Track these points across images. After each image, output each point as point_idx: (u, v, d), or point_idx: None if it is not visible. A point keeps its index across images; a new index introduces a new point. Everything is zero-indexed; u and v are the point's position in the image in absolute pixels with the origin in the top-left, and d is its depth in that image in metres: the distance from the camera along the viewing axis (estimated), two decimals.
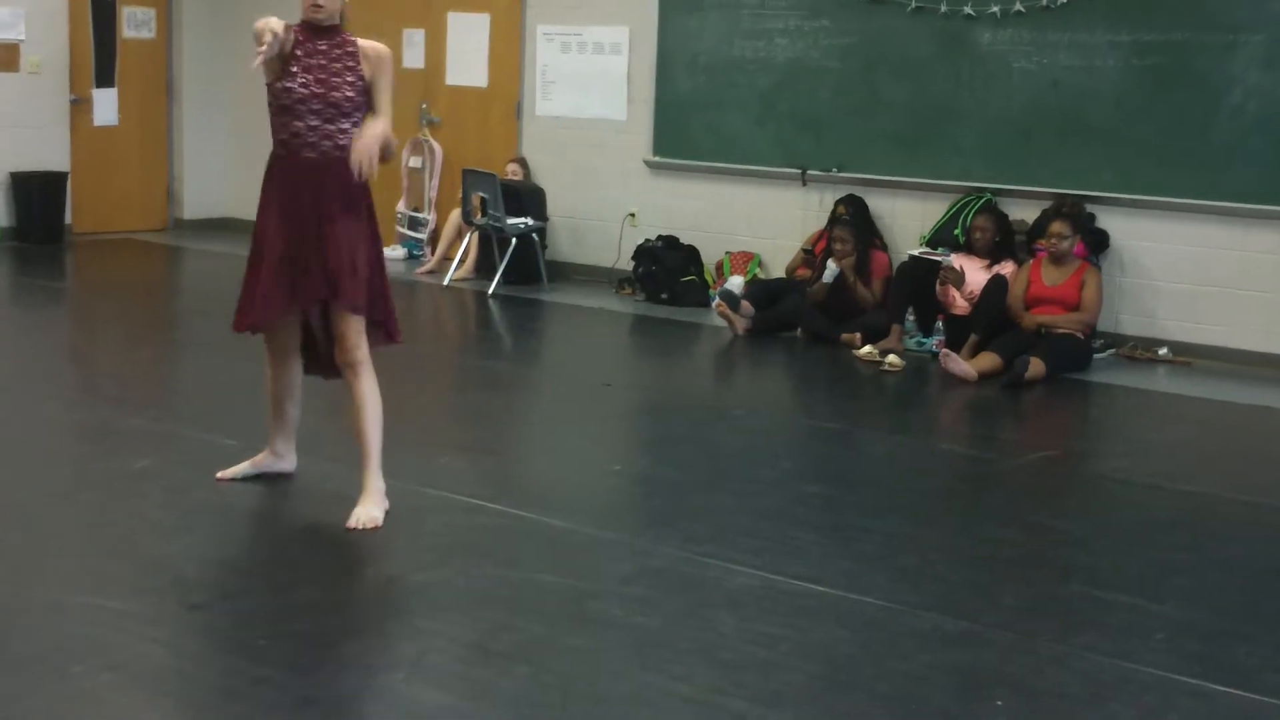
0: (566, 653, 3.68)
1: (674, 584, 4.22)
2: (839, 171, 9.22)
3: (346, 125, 4.57)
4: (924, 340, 8.18)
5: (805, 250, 8.98)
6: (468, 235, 10.20)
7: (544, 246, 10.14)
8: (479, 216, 9.87)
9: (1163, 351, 8.17)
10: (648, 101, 10.04)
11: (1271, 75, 7.85)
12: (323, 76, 4.53)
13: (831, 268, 8.30)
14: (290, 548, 4.48)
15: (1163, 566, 4.65)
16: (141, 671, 3.48)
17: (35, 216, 10.97)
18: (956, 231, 8.53)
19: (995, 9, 8.55)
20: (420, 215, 11.17)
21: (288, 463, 5.00)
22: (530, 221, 9.87)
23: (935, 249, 8.42)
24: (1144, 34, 8.16)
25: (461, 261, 10.20)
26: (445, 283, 10.01)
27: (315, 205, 4.54)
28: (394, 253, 11.08)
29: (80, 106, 11.42)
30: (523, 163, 10.48)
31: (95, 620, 3.73)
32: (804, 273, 8.77)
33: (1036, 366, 7.31)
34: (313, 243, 4.55)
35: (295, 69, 4.53)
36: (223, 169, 12.01)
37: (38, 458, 5.37)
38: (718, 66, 9.69)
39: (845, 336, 8.16)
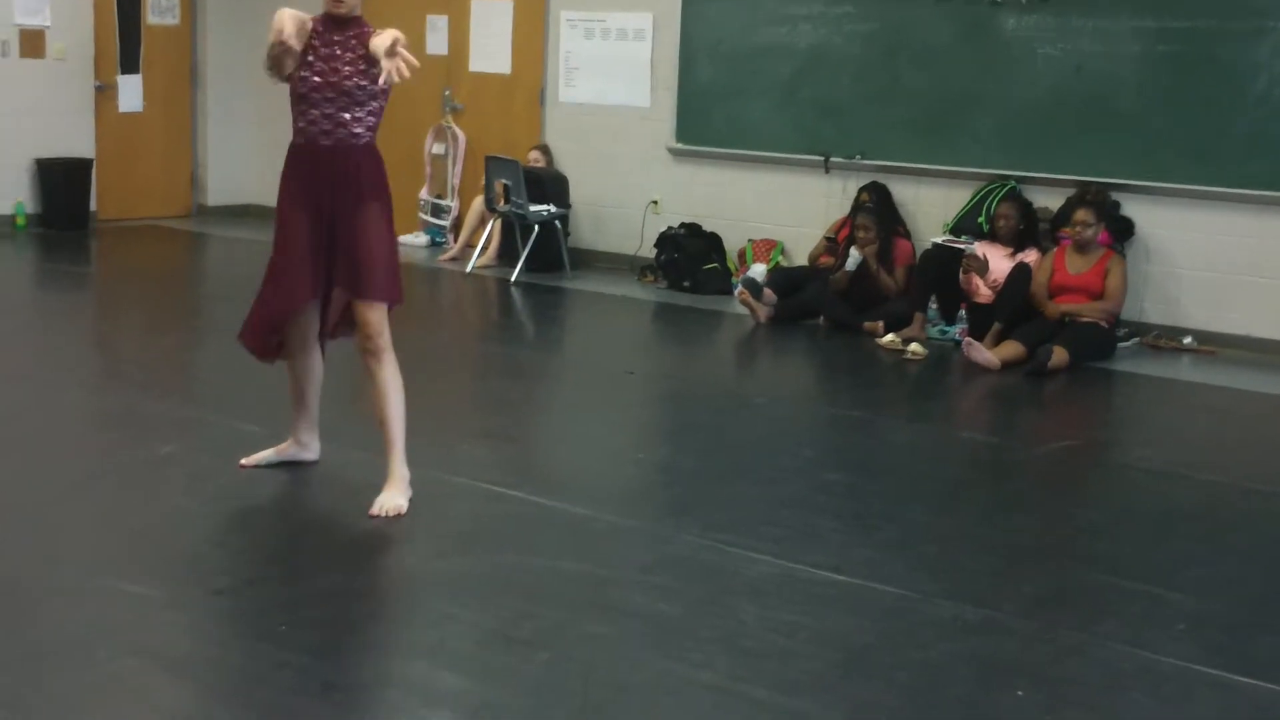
0: (587, 640, 3.69)
1: (694, 572, 4.23)
2: (862, 159, 9.20)
3: (361, 114, 4.58)
4: (947, 328, 8.16)
5: (828, 238, 8.96)
6: (490, 222, 10.21)
7: (566, 234, 10.15)
8: (502, 203, 9.88)
9: (1187, 340, 8.14)
10: (671, 88, 10.02)
11: None
12: (335, 65, 4.56)
13: (854, 255, 8.29)
14: (313, 534, 4.51)
15: (1184, 556, 4.64)
16: (165, 656, 3.51)
17: (60, 203, 11.02)
18: (980, 219, 8.50)
19: None
20: (443, 202, 11.18)
21: (311, 451, 5.03)
22: (553, 208, 9.88)
23: (959, 237, 8.40)
24: (1168, 20, 8.11)
25: (484, 248, 10.22)
26: (468, 270, 10.03)
27: (334, 193, 4.56)
28: (417, 239, 11.12)
29: (105, 93, 11.47)
30: (546, 150, 10.48)
31: (119, 605, 3.76)
32: (827, 260, 8.75)
33: (1060, 355, 7.29)
34: (333, 231, 4.57)
35: (311, 58, 4.57)
36: (246, 155, 12.05)
37: (63, 443, 5.41)
38: (741, 53, 9.67)
39: (868, 325, 8.15)
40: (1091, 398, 7.24)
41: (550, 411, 6.63)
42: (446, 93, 11.14)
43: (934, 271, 8.15)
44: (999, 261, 7.97)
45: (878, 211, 8.54)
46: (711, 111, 9.86)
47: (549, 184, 10.04)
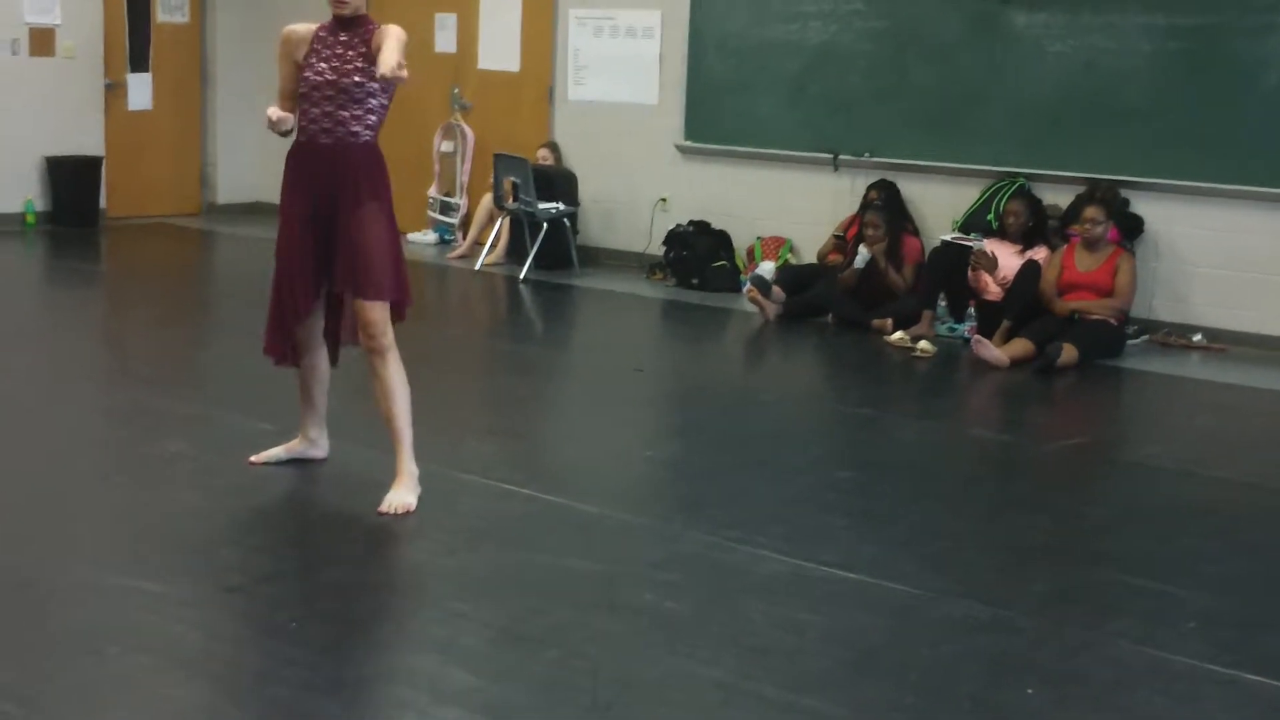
0: (596, 637, 3.70)
1: (703, 570, 4.23)
2: (871, 156, 9.19)
3: (360, 111, 4.57)
4: (956, 326, 8.16)
5: (837, 235, 8.96)
6: (499, 220, 10.22)
7: (575, 231, 10.15)
8: (510, 201, 9.88)
9: (1197, 338, 8.12)
10: (679, 85, 10.02)
11: None
12: (336, 64, 4.57)
13: (863, 253, 8.29)
14: (323, 532, 4.52)
15: (1193, 554, 4.63)
16: (176, 653, 3.52)
17: (70, 200, 11.04)
18: (989, 216, 8.50)
19: None
20: (452, 200, 11.19)
21: (320, 448, 5.04)
22: (561, 206, 9.88)
23: (967, 234, 8.39)
24: (1178, 17, 8.09)
25: (493, 246, 10.22)
26: (476, 267, 10.04)
27: (332, 192, 4.57)
28: (425, 237, 11.13)
29: (115, 91, 11.49)
30: (554, 147, 10.49)
31: (130, 602, 3.77)
32: (835, 258, 8.75)
33: (1069, 353, 7.28)
34: (334, 229, 4.58)
35: (313, 59, 4.59)
36: (255, 154, 12.06)
37: (72, 440, 5.42)
38: (749, 50, 9.67)
39: (876, 322, 8.14)
40: (1101, 395, 7.23)
41: (559, 408, 6.64)
42: (455, 91, 11.14)
43: (943, 269, 8.14)
44: (1008, 259, 7.96)
45: (886, 209, 8.53)
46: (720, 108, 9.86)
47: (557, 181, 10.04)
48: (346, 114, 4.57)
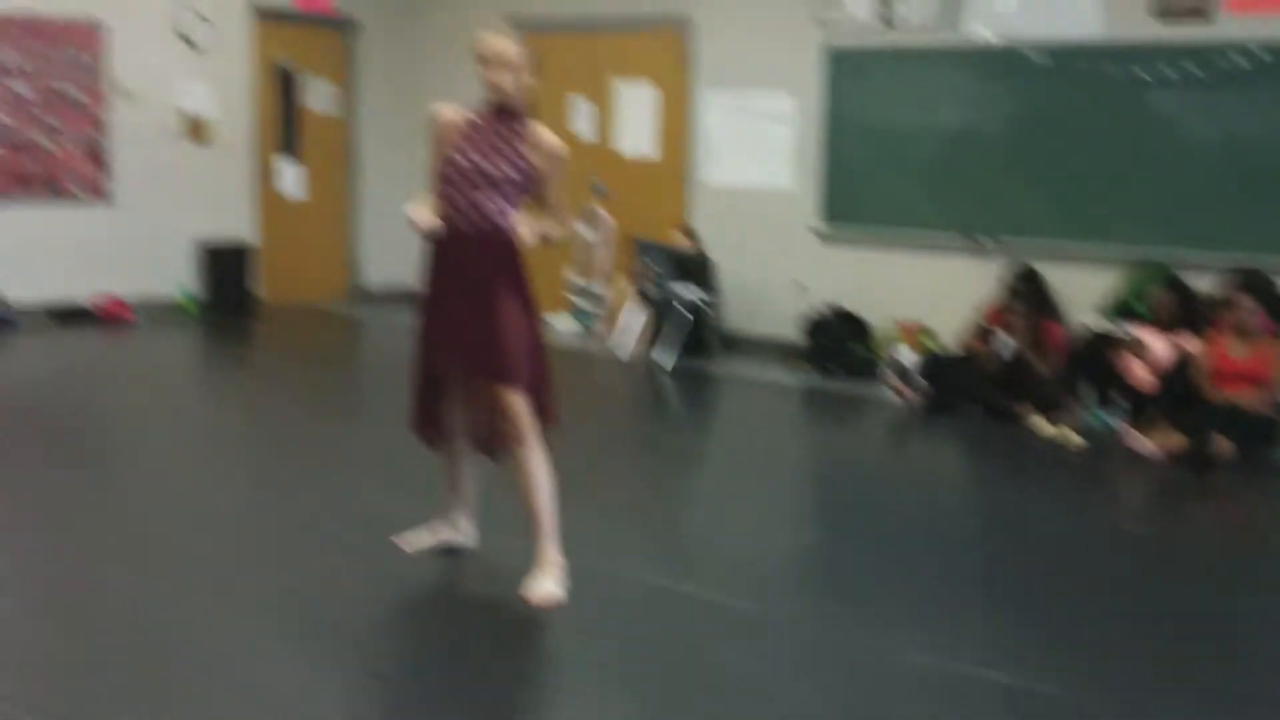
0: None
1: (844, 664, 4.17)
2: (1012, 241, 9.09)
3: (505, 204, 4.64)
4: (1103, 416, 7.99)
5: (979, 322, 8.85)
6: (639, 306, 10.29)
7: (714, 317, 10.17)
8: (650, 287, 9.95)
9: None
10: (816, 170, 10.05)
11: None
12: (487, 152, 4.63)
13: (1006, 340, 8.17)
14: (467, 619, 4.54)
15: None
16: None
17: (223, 286, 11.39)
18: (1136, 303, 8.33)
19: (1173, 74, 8.38)
20: (591, 286, 11.31)
21: (466, 535, 5.09)
22: (700, 292, 9.92)
23: (1114, 321, 8.23)
24: None
25: (632, 332, 10.28)
26: (616, 353, 10.10)
27: (474, 278, 4.64)
28: (565, 324, 11.24)
29: (266, 179, 11.87)
30: (691, 232, 10.56)
31: (279, 684, 3.83)
32: (977, 345, 8.64)
33: (1223, 445, 7.08)
34: (474, 318, 4.64)
35: (463, 144, 4.65)
36: (401, 241, 12.25)
37: (225, 522, 5.55)
38: (887, 134, 9.67)
39: (1020, 411, 8.01)
40: (1258, 490, 6.99)
41: (701, 496, 6.62)
42: (593, 178, 11.30)
43: (1089, 357, 7.99)
44: (1158, 347, 7.78)
45: (1030, 295, 8.42)
46: (857, 193, 9.85)
47: (695, 267, 10.10)
48: (491, 205, 4.64)
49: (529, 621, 4.47)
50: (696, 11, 10.60)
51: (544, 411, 4.75)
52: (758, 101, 10.33)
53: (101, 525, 5.36)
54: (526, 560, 4.73)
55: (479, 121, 4.69)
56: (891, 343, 9.51)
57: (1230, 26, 8.25)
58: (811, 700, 3.88)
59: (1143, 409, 7.62)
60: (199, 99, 11.29)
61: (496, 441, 4.90)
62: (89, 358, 9.49)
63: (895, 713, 3.82)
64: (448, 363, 4.72)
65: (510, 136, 4.66)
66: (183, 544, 5.19)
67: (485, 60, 4.60)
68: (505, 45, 4.62)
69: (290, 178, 12.03)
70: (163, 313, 11.05)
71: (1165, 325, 7.92)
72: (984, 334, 8.65)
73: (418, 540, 5.07)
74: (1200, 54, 8.31)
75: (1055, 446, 7.49)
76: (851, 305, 9.75)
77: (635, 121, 11.11)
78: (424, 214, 4.65)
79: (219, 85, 11.37)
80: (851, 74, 9.77)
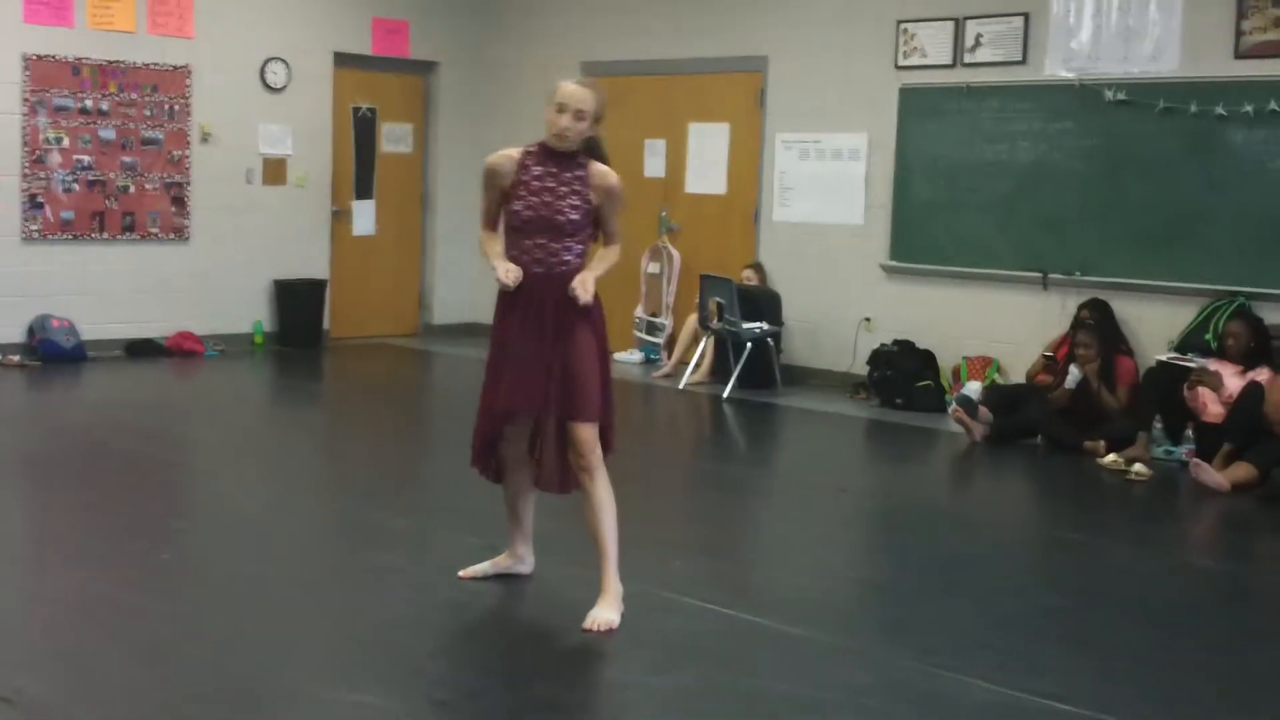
0: None
1: (911, 697, 4.14)
2: (1081, 275, 9.03)
3: (572, 243, 4.71)
4: (1173, 449, 7.90)
5: (1046, 355, 8.79)
6: (704, 340, 10.33)
7: (779, 351, 10.19)
8: (715, 321, 9.99)
9: None
10: (885, 206, 10.04)
11: None
12: (549, 199, 4.68)
13: (1074, 373, 8.11)
14: (528, 647, 4.57)
15: None
16: None
17: (296, 321, 11.57)
18: (1208, 336, 8.23)
19: (1249, 108, 8.31)
20: (657, 320, 11.37)
21: (526, 564, 5.13)
22: (766, 326, 9.94)
23: (1185, 354, 8.14)
24: None
25: (698, 366, 10.33)
26: (681, 386, 10.14)
27: (547, 317, 4.69)
28: (631, 357, 11.30)
29: (340, 218, 12.06)
30: (759, 268, 10.59)
31: (342, 713, 3.88)
32: (1045, 378, 8.57)
33: None
34: (549, 354, 4.68)
35: (523, 192, 4.70)
36: (471, 277, 12.47)
37: (294, 552, 5.63)
38: (957, 170, 9.65)
39: (1089, 444, 7.94)
40: None
41: (763, 528, 6.62)
42: (663, 214, 11.38)
43: (1159, 390, 7.91)
44: (1229, 380, 7.69)
45: (1099, 328, 8.35)
46: (926, 229, 9.84)
47: (762, 301, 10.12)
48: (559, 245, 4.69)
49: (589, 650, 4.49)
50: (772, 52, 10.65)
51: (605, 441, 4.79)
52: (829, 139, 10.36)
53: (168, 553, 5.46)
54: (586, 589, 4.75)
55: (535, 166, 4.71)
56: (957, 376, 9.47)
57: None
58: None
59: (1212, 442, 7.52)
60: (277, 142, 11.50)
61: (557, 476, 4.93)
62: (159, 390, 9.67)
63: None
64: (519, 399, 4.75)
65: (569, 179, 4.70)
66: (248, 573, 5.27)
67: (561, 105, 4.64)
68: (584, 94, 4.65)
69: (364, 216, 12.22)
70: (236, 347, 11.23)
71: (1236, 358, 7.82)
72: (1051, 367, 8.58)
73: (478, 569, 5.11)
74: (1276, 90, 8.23)
75: (1123, 479, 7.41)
76: (919, 340, 9.72)
77: (708, 159, 11.17)
78: (508, 267, 4.67)
79: (298, 128, 11.58)
80: (924, 111, 9.77)
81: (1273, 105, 8.23)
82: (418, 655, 4.38)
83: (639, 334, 11.45)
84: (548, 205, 4.68)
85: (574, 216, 4.68)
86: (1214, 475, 7.16)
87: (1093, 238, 9.03)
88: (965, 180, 9.61)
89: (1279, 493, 6.93)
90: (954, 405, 8.61)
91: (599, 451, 4.72)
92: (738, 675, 4.26)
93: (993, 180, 9.48)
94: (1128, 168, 8.88)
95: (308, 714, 3.90)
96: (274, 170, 11.52)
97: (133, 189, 10.70)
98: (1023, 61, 9.33)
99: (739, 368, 9.82)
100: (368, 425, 8.86)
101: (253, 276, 11.44)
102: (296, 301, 11.58)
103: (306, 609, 4.86)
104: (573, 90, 4.66)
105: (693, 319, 10.57)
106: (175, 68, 10.81)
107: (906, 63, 9.87)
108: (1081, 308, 8.77)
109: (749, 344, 9.82)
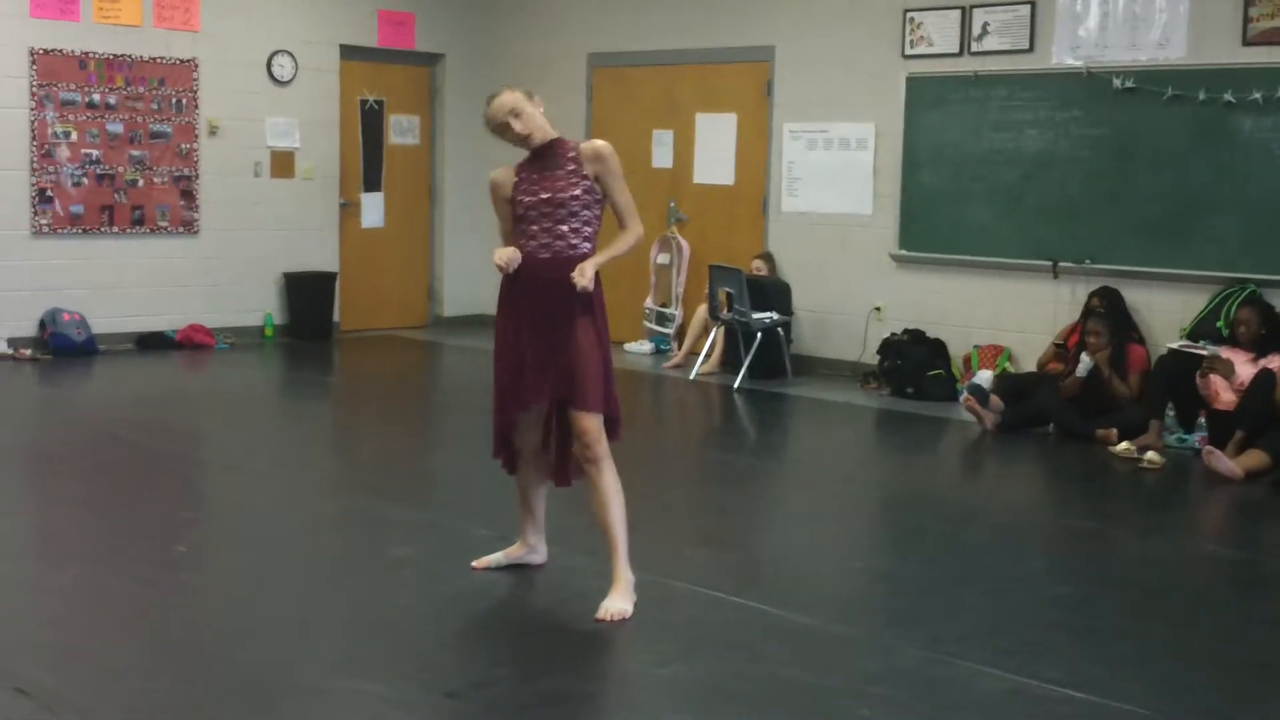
0: None
1: (921, 685, 4.14)
2: (1092, 263, 9.01)
3: (577, 224, 4.71)
4: (1185, 436, 7.88)
5: (1057, 344, 8.78)
6: (714, 330, 10.33)
7: (789, 340, 10.18)
8: (725, 311, 9.99)
9: None
10: (893, 196, 10.03)
11: None
12: (548, 183, 4.71)
13: (1085, 361, 8.09)
14: (540, 637, 4.58)
15: None
16: None
17: (305, 314, 11.58)
18: (1219, 324, 8.22)
19: (1257, 95, 8.28)
20: (667, 310, 11.36)
21: (539, 555, 5.13)
22: (775, 316, 9.94)
23: (1196, 341, 8.12)
24: None
25: (707, 356, 10.32)
26: (691, 377, 10.14)
27: (550, 303, 4.69)
28: (641, 347, 11.30)
29: (349, 210, 12.07)
30: (768, 258, 10.58)
31: (353, 704, 3.89)
32: (1055, 367, 8.56)
33: None
34: (551, 342, 4.69)
35: (524, 186, 4.74)
36: (479, 268, 12.45)
37: (304, 544, 5.64)
38: (965, 159, 9.63)
39: (1100, 432, 7.93)
40: None
41: (773, 518, 6.62)
42: (671, 204, 11.37)
43: (1170, 377, 7.89)
44: (1241, 368, 7.67)
45: (1110, 316, 8.34)
46: (935, 218, 9.82)
47: (771, 292, 10.12)
48: (565, 228, 4.70)
49: (601, 640, 4.49)
50: (779, 41, 10.63)
51: (611, 430, 4.79)
52: (837, 128, 10.34)
53: (182, 545, 5.47)
54: (598, 579, 4.76)
55: (529, 166, 4.78)
56: (968, 365, 9.46)
57: None
58: (881, 716, 3.86)
59: (1224, 429, 7.51)
60: (285, 134, 11.51)
61: (565, 465, 4.94)
62: (170, 383, 9.69)
63: None
64: (525, 388, 4.76)
65: (563, 162, 4.73)
66: (259, 564, 5.29)
67: (499, 127, 4.73)
68: (500, 103, 4.72)
69: (372, 208, 12.23)
70: (246, 340, 11.25)
71: (1248, 345, 7.80)
72: (1063, 355, 8.57)
73: (490, 560, 5.12)
74: None
75: (1135, 467, 7.40)
76: (930, 329, 9.71)
77: (715, 150, 11.16)
78: (504, 251, 4.70)
79: (305, 120, 11.59)
80: (931, 100, 9.75)
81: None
82: (429, 646, 4.39)
83: (649, 324, 11.44)
84: (548, 188, 4.70)
85: (575, 193, 4.69)
86: (1226, 463, 7.14)
87: (1102, 226, 9.01)
88: (973, 169, 9.59)
89: None
90: (965, 394, 8.59)
91: (604, 442, 4.72)
92: (748, 664, 4.26)
93: (1001, 169, 9.46)
94: (1136, 155, 8.85)
95: (319, 704, 3.90)
96: (282, 163, 11.52)
97: (141, 182, 10.72)
98: (1030, 50, 9.30)
99: (749, 358, 9.81)
100: (378, 417, 8.87)
101: (262, 269, 11.46)
102: (306, 294, 11.59)
103: (317, 600, 4.87)
104: (491, 113, 4.74)
105: (702, 309, 10.57)
106: (182, 61, 10.82)
107: (913, 51, 9.85)
108: (1092, 296, 8.75)
109: (759, 334, 9.81)
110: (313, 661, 4.23)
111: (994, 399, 8.39)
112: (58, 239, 10.39)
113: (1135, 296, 8.79)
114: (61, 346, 10.15)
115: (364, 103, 12.12)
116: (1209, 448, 7.35)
